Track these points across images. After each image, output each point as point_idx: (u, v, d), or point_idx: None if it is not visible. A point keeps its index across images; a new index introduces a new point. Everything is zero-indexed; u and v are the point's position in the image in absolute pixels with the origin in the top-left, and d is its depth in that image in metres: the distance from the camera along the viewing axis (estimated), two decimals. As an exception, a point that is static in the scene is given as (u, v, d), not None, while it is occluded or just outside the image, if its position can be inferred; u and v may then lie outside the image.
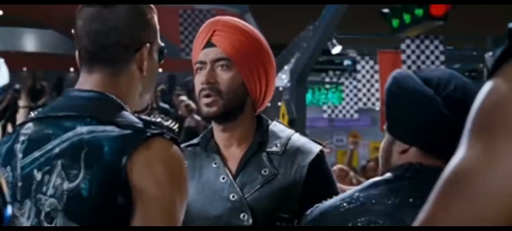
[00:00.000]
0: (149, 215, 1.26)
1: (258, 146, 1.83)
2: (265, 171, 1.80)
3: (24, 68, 22.01)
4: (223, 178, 1.81)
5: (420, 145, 1.42)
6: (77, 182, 1.29)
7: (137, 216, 1.26)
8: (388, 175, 1.44)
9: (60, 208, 1.30)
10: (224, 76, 1.80)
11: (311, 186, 1.78)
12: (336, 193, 1.75)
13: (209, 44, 1.82)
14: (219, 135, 1.88)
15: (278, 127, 1.89)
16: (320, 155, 1.83)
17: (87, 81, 1.43)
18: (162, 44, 1.52)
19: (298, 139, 1.86)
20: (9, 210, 0.81)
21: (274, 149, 1.82)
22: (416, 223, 0.75)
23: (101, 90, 1.41)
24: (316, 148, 1.83)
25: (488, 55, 10.77)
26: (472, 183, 0.72)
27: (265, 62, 1.86)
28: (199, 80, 1.83)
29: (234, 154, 1.86)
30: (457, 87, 1.40)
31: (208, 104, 1.81)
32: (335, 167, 6.18)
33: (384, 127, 1.52)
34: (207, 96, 1.80)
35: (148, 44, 1.44)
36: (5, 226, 0.80)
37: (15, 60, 19.79)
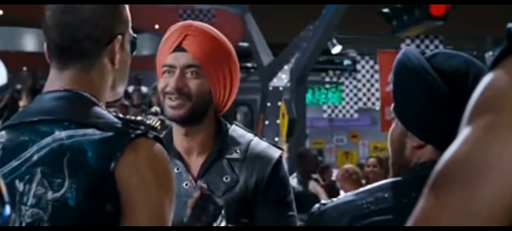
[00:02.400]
0: (140, 220, 1.22)
1: (218, 152, 1.84)
2: (226, 178, 1.81)
3: (24, 68, 22.00)
4: (186, 184, 1.82)
5: (438, 144, 1.34)
6: (62, 191, 1.23)
7: (126, 222, 1.23)
8: (411, 175, 1.36)
9: (45, 218, 1.24)
10: (193, 82, 1.82)
11: (269, 192, 1.80)
12: (290, 202, 1.82)
13: (179, 48, 1.82)
14: (180, 139, 1.88)
15: (237, 132, 1.90)
16: (279, 161, 1.85)
17: (58, 80, 1.37)
18: (134, 35, 1.46)
19: (257, 144, 1.87)
20: (7, 209, 0.80)
21: (234, 155, 1.84)
22: (411, 219, 0.72)
23: (73, 88, 1.34)
24: (275, 154, 1.85)
25: (488, 55, 10.77)
26: (468, 174, 0.70)
27: (232, 70, 1.88)
28: (166, 83, 1.83)
29: (196, 160, 1.87)
30: (476, 80, 1.28)
31: (175, 107, 1.82)
32: (342, 169, 6.19)
33: (391, 108, 1.42)
34: (175, 99, 1.82)
35: (119, 36, 1.39)
36: (4, 226, 0.80)
37: (15, 60, 19.78)
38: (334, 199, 1.42)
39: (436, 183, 0.72)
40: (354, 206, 1.35)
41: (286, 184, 1.86)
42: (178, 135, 1.88)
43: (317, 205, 1.44)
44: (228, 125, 1.92)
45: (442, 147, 1.31)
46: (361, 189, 1.41)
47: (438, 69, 1.33)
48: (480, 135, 0.71)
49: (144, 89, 11.89)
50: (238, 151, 1.84)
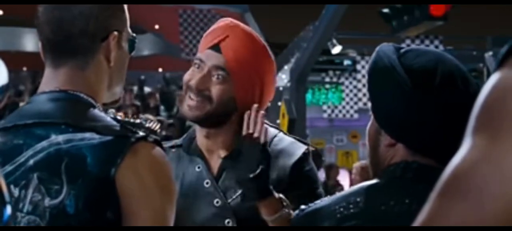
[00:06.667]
0: (142, 226, 1.20)
1: (239, 152, 1.76)
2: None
3: (24, 68, 22.00)
4: (207, 183, 1.78)
5: (406, 143, 1.35)
6: (60, 198, 1.19)
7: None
8: (385, 177, 1.37)
9: (43, 225, 1.20)
10: (217, 87, 1.74)
11: (293, 188, 1.73)
12: (319, 195, 1.73)
13: (216, 47, 1.75)
14: (201, 139, 1.82)
15: None
16: (303, 157, 1.78)
17: (53, 79, 1.32)
18: (133, 34, 1.40)
19: (280, 140, 1.81)
20: (8, 209, 0.80)
21: None
22: (416, 223, 0.72)
23: (69, 88, 1.29)
24: (299, 150, 1.78)
25: (488, 55, 10.75)
26: (474, 183, 0.68)
27: (264, 80, 1.80)
28: (191, 76, 1.77)
29: (217, 160, 1.81)
30: (444, 77, 1.31)
31: (192, 107, 1.75)
32: (357, 164, 6.17)
33: (369, 104, 1.43)
34: (194, 98, 1.75)
35: (115, 33, 1.33)
36: (5, 226, 0.80)
37: (15, 60, 19.77)
38: (311, 204, 1.42)
39: (442, 191, 0.71)
40: (329, 211, 1.35)
41: (312, 178, 1.79)
42: (199, 134, 1.83)
43: (296, 212, 1.44)
44: None
45: (412, 146, 1.34)
46: (338, 193, 1.41)
47: (406, 67, 1.33)
48: (486, 142, 0.68)
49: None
50: None
